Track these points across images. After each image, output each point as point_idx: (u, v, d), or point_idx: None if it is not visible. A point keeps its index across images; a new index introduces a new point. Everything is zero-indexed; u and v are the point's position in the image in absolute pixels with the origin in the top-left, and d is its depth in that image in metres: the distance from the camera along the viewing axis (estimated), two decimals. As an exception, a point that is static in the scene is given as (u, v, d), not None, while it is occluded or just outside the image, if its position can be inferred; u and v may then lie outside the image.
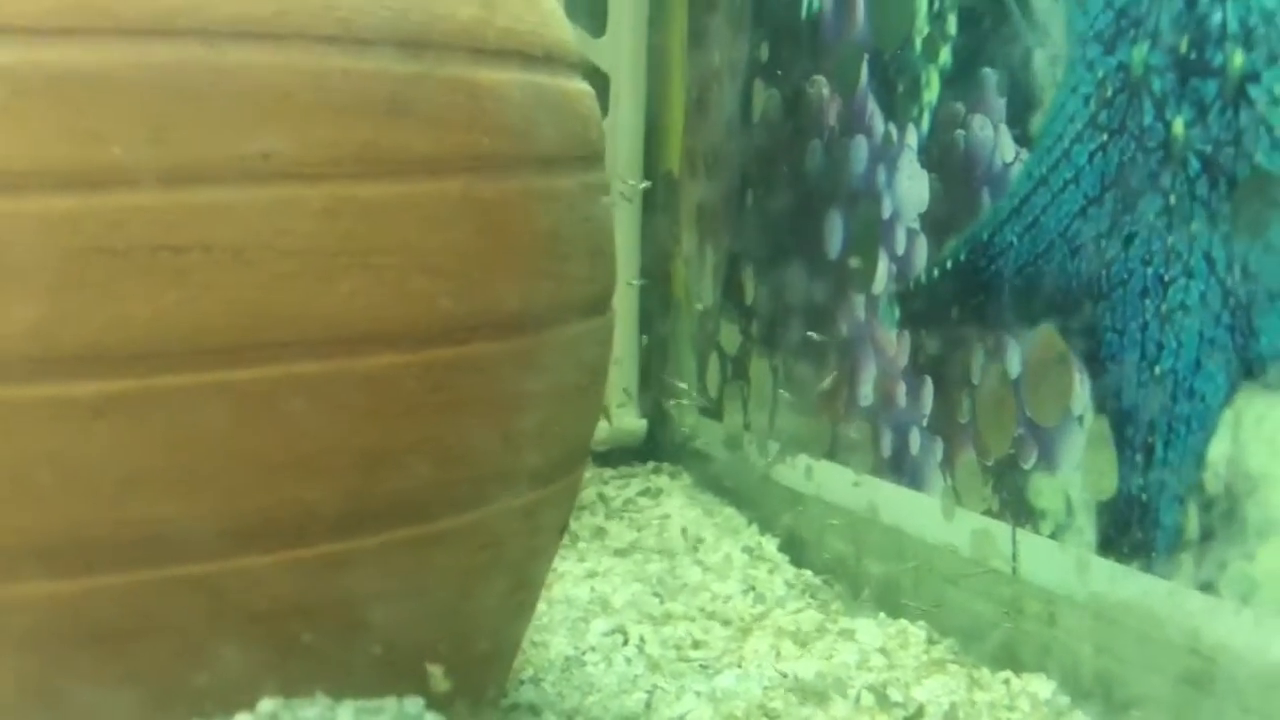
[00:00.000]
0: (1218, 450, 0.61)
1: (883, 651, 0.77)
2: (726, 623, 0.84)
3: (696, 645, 0.80)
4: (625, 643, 0.78)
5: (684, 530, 1.03)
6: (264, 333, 0.44)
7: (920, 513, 0.83)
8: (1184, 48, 0.62)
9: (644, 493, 1.13)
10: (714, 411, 1.13)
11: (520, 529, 0.54)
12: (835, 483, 0.95)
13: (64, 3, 0.42)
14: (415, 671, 0.50)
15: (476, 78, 0.49)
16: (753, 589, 0.91)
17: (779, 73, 1.02)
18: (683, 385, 1.17)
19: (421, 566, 0.49)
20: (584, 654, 0.75)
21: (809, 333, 0.97)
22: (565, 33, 0.55)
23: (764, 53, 1.04)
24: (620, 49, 1.18)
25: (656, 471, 1.19)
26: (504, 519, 0.52)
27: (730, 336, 1.11)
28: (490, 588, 0.53)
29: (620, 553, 0.98)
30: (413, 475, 0.48)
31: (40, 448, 0.42)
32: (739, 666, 0.75)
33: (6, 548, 0.43)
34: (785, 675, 0.71)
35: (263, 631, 0.47)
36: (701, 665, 0.75)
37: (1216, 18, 0.60)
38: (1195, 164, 0.62)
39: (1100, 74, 0.68)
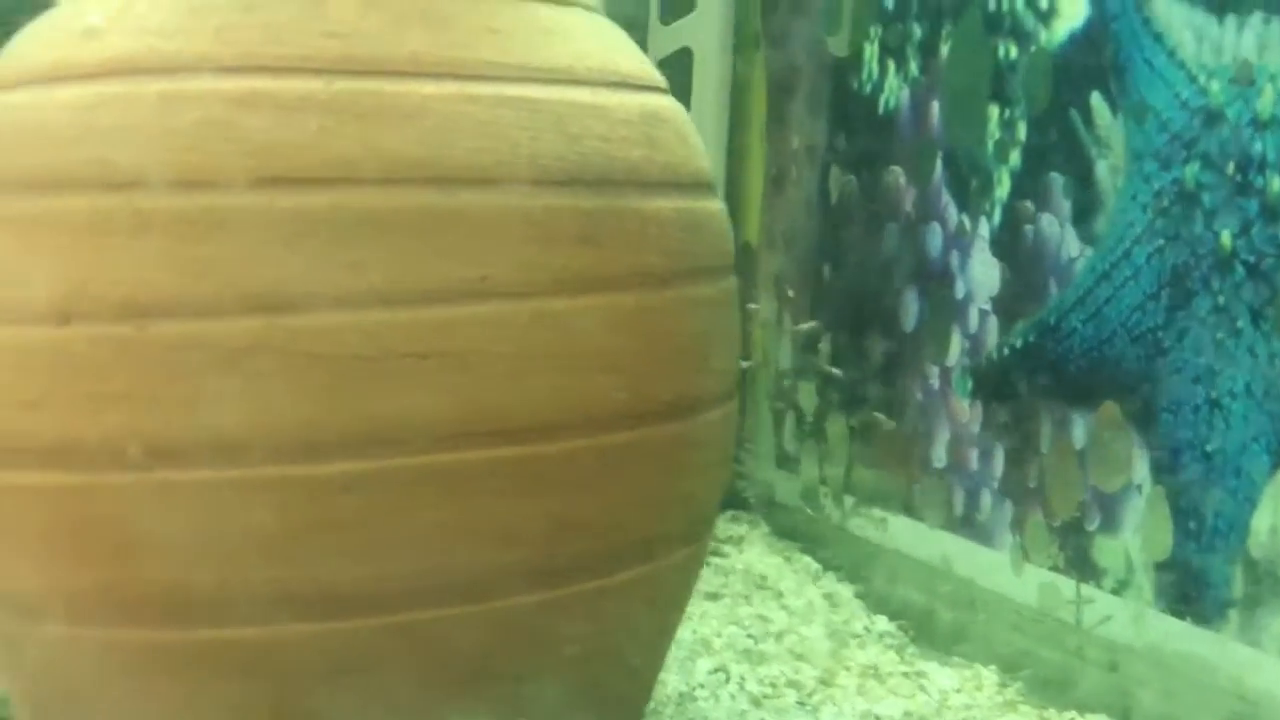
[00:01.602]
0: (1261, 521, 0.70)
1: (959, 692, 0.85)
2: (814, 664, 0.93)
3: (790, 684, 0.89)
4: (728, 680, 0.87)
5: (766, 576, 1.12)
6: (479, 423, 0.54)
7: (990, 566, 0.92)
8: (1230, 170, 0.72)
9: (727, 540, 1.22)
10: (791, 465, 1.22)
11: (672, 581, 0.63)
12: (909, 536, 1.04)
13: (331, 156, 0.52)
14: (582, 703, 0.60)
15: (644, 207, 0.59)
16: (835, 633, 1.00)
17: (856, 160, 1.12)
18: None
19: (596, 615, 0.59)
20: (694, 690, 0.85)
21: (882, 400, 1.07)
22: (706, 161, 0.65)
23: (841, 141, 1.14)
24: (705, 128, 1.29)
25: (735, 520, 1.28)
26: (662, 573, 0.62)
27: (807, 397, 1.20)
28: (647, 632, 0.63)
29: (711, 596, 1.07)
30: (591, 538, 0.58)
31: (301, 516, 0.53)
32: (833, 704, 0.83)
33: (268, 596, 0.53)
34: (878, 716, 0.80)
35: (466, 668, 0.56)
36: (798, 702, 0.84)
37: (1257, 147, 0.70)
38: (1241, 270, 0.71)
39: (1157, 187, 0.77)
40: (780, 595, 1.08)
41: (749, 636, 0.97)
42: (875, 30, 1.08)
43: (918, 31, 1.02)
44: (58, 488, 0.53)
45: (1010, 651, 0.90)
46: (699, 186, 0.63)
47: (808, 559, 1.17)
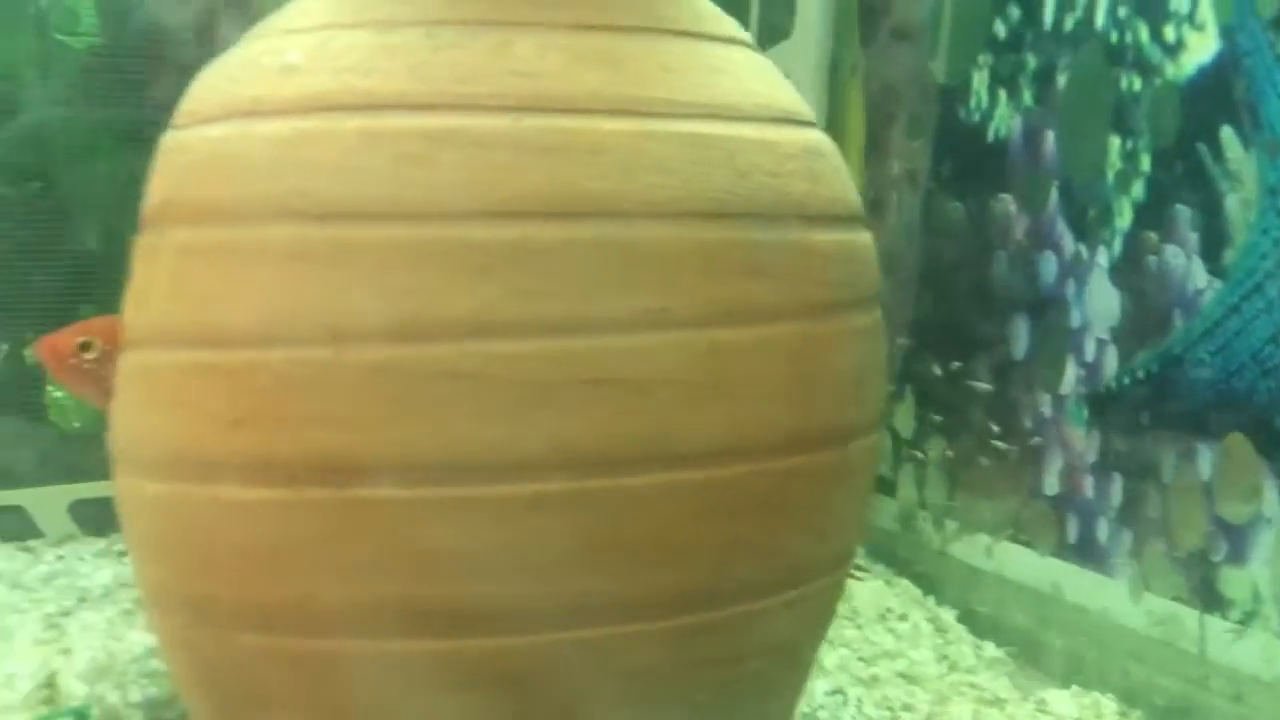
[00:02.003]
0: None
1: (1080, 720, 0.87)
2: (926, 688, 0.94)
3: (906, 707, 0.90)
4: (845, 702, 0.89)
5: (868, 600, 1.14)
6: (655, 448, 0.56)
7: (1106, 594, 0.93)
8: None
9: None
10: (887, 489, 1.24)
11: (821, 605, 0.65)
12: (1016, 562, 1.05)
13: (521, 191, 0.55)
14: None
15: (807, 239, 0.61)
16: (945, 657, 1.01)
17: (961, 187, 1.13)
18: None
19: (751, 636, 0.61)
20: (816, 712, 0.86)
21: (987, 427, 1.08)
22: (856, 193, 0.67)
23: (946, 168, 1.16)
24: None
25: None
26: (813, 597, 0.63)
27: (905, 420, 1.22)
28: (797, 656, 0.65)
29: (818, 619, 1.08)
30: (754, 561, 0.60)
31: (483, 534, 0.55)
32: (955, 728, 0.85)
33: (447, 610, 0.56)
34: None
35: (636, 685, 0.59)
36: (918, 725, 0.86)
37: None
38: (1383, 306, 0.72)
39: (1292, 221, 0.78)
40: (884, 619, 1.09)
41: (860, 660, 0.98)
42: (985, 58, 1.09)
43: (1032, 61, 1.03)
44: (258, 502, 0.56)
45: (1129, 680, 0.91)
46: (853, 219, 0.65)
47: (907, 582, 1.18)
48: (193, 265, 0.58)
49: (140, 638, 0.81)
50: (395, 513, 0.55)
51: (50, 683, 0.74)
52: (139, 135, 1.26)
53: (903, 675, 0.97)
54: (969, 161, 1.12)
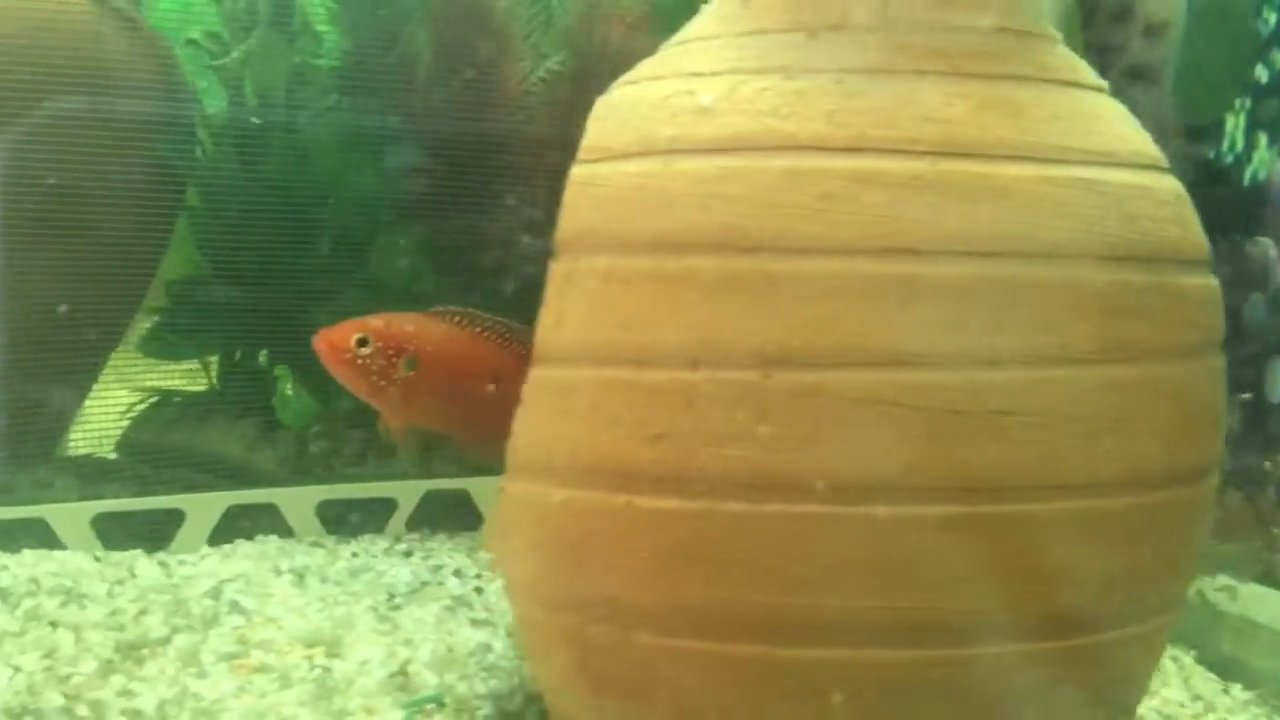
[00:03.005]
0: None
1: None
2: (1189, 727, 0.96)
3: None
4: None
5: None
6: (1052, 477, 0.60)
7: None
8: None
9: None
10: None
11: (1158, 640, 0.69)
12: (1263, 604, 1.06)
13: (938, 231, 0.60)
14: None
15: (1180, 282, 0.65)
16: (1199, 697, 1.03)
17: (1211, 229, 1.16)
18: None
19: (1112, 662, 0.64)
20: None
21: (1234, 469, 1.10)
22: (1204, 236, 0.71)
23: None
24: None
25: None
26: (1162, 629, 0.67)
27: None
28: (1142, 685, 0.69)
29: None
30: (1124, 590, 0.63)
31: (897, 551, 0.60)
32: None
33: (857, 622, 0.60)
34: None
35: (1007, 704, 0.63)
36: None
37: None
38: None
39: None
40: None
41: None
42: (1242, 102, 1.12)
43: (1298, 107, 1.06)
44: (672, 512, 0.61)
45: None
46: (1208, 264, 0.69)
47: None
48: (616, 290, 0.63)
49: (473, 634, 0.87)
50: (810, 527, 0.60)
51: (403, 670, 0.80)
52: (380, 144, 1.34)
53: (1160, 713, 0.99)
54: (1221, 204, 1.15)
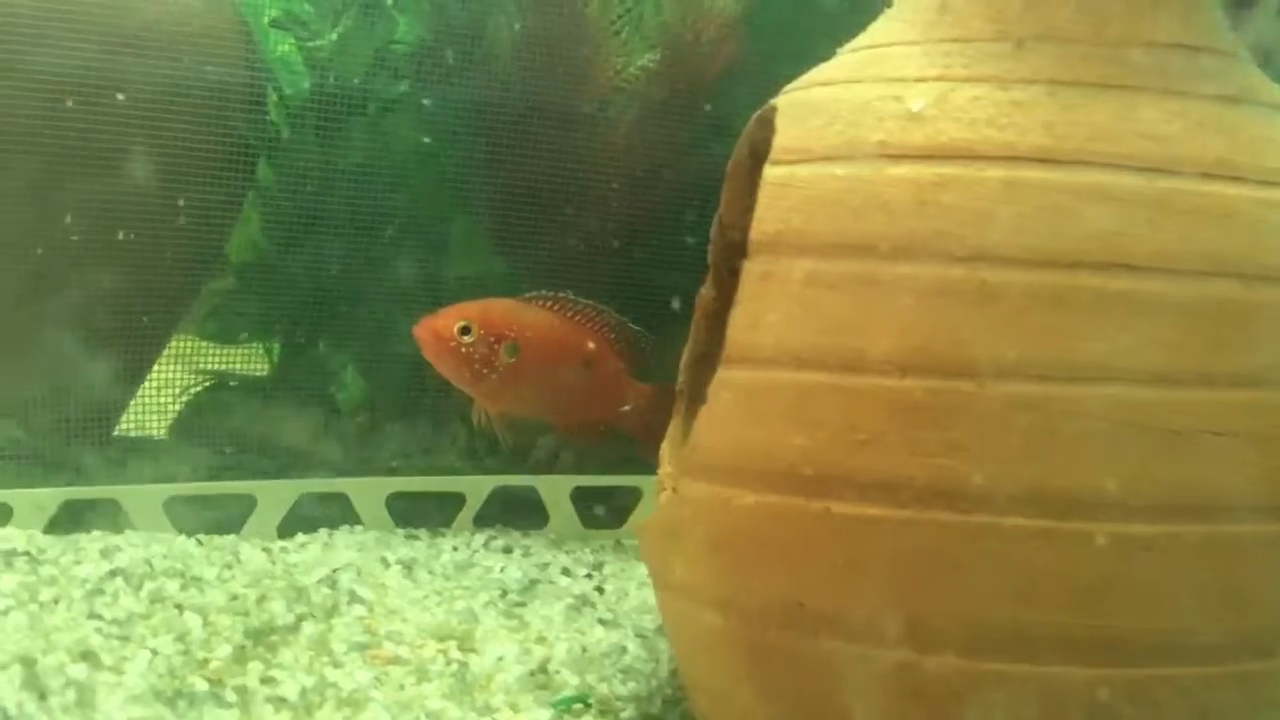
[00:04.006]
0: None
1: None
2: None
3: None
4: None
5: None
6: (1263, 499, 0.61)
7: None
8: None
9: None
10: None
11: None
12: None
13: (1158, 248, 0.60)
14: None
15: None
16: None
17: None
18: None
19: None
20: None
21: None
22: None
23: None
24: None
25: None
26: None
27: None
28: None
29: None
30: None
31: (1100, 569, 0.60)
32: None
33: (1053, 636, 0.60)
34: None
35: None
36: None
37: None
38: None
39: None
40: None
41: None
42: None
43: None
44: (875, 519, 0.62)
45: None
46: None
47: None
48: (821, 293, 0.64)
49: (605, 634, 0.87)
50: (1018, 540, 0.60)
51: (542, 669, 0.80)
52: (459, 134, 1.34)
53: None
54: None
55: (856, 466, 0.62)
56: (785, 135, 0.69)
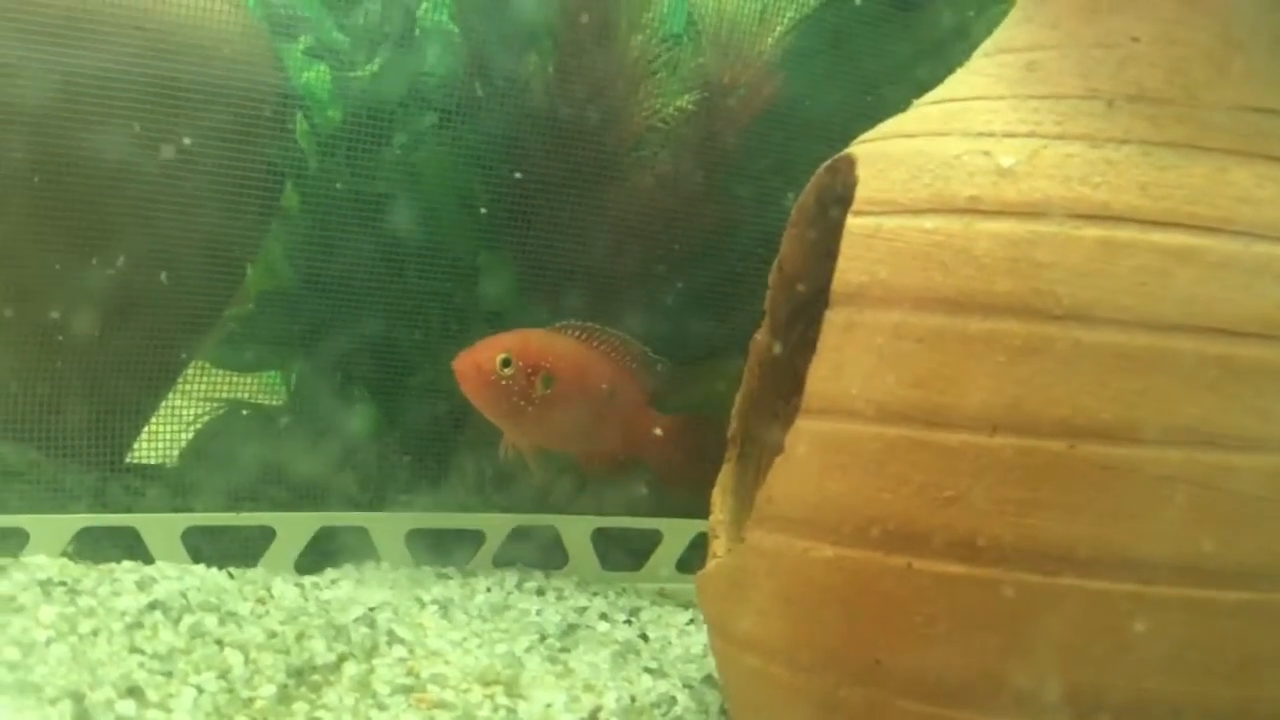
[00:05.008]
0: None
1: None
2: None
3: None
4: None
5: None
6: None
7: None
8: None
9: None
10: None
11: None
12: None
13: (1253, 312, 0.61)
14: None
15: None
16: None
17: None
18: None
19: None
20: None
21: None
22: None
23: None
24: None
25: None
26: None
27: None
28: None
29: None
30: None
31: (1184, 634, 0.60)
32: None
33: (1156, 703, 0.61)
34: None
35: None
36: None
37: None
38: None
39: None
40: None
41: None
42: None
43: None
44: (957, 578, 0.61)
45: None
46: None
47: None
48: (908, 347, 0.63)
49: (654, 684, 0.86)
50: (1105, 605, 0.60)
51: (594, 717, 0.78)
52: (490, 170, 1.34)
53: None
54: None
55: (940, 523, 0.62)
56: (869, 186, 0.69)
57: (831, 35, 1.39)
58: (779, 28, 1.35)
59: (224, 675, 0.77)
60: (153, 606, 0.84)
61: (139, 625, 0.81)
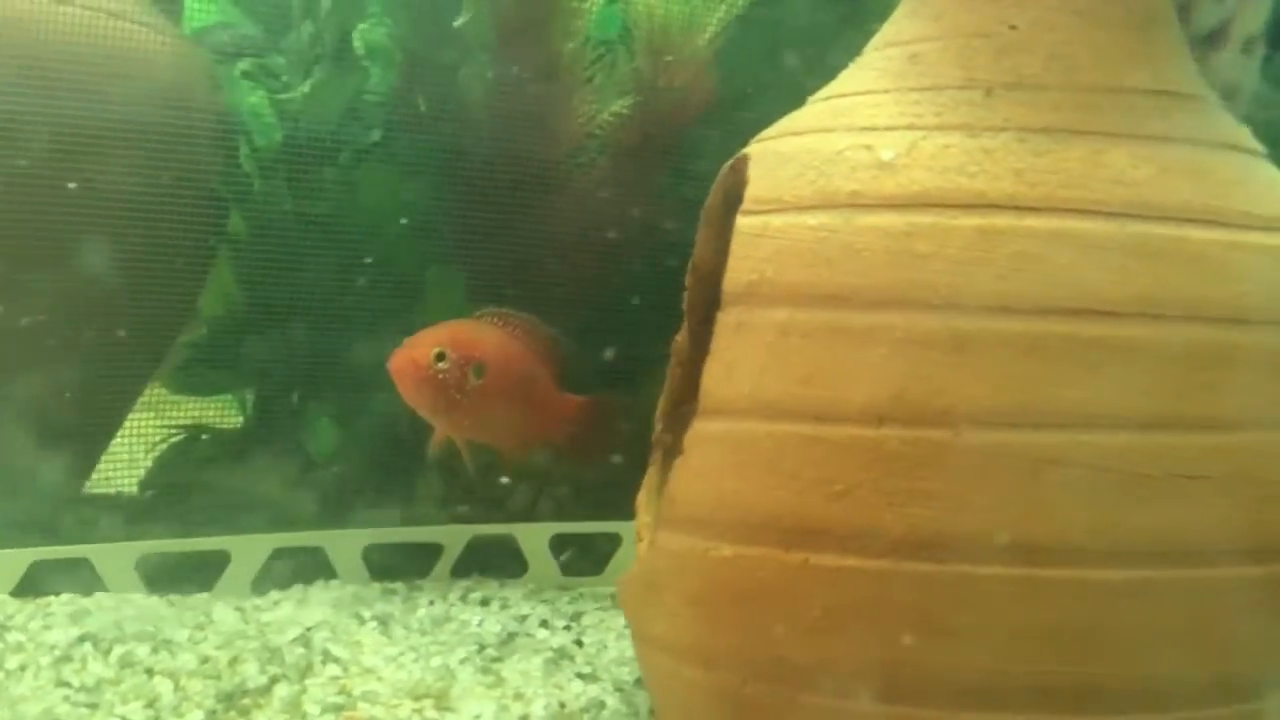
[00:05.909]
0: None
1: None
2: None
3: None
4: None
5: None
6: (1233, 543, 0.61)
7: None
8: None
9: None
10: None
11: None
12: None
13: (1131, 292, 0.61)
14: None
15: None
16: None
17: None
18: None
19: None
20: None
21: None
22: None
23: None
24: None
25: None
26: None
27: None
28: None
29: None
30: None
31: (1077, 616, 0.61)
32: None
33: (1030, 686, 0.61)
34: None
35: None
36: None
37: None
38: None
39: None
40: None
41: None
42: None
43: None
44: (852, 570, 0.62)
45: None
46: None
47: None
48: (794, 344, 0.64)
49: (584, 689, 0.86)
50: (996, 589, 0.60)
51: (523, 727, 0.79)
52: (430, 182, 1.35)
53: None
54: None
55: (833, 518, 0.62)
56: (758, 185, 0.70)
57: (765, 33, 1.40)
58: (710, 28, 1.36)
59: (151, 704, 0.77)
60: (83, 639, 0.84)
61: (67, 659, 0.82)
